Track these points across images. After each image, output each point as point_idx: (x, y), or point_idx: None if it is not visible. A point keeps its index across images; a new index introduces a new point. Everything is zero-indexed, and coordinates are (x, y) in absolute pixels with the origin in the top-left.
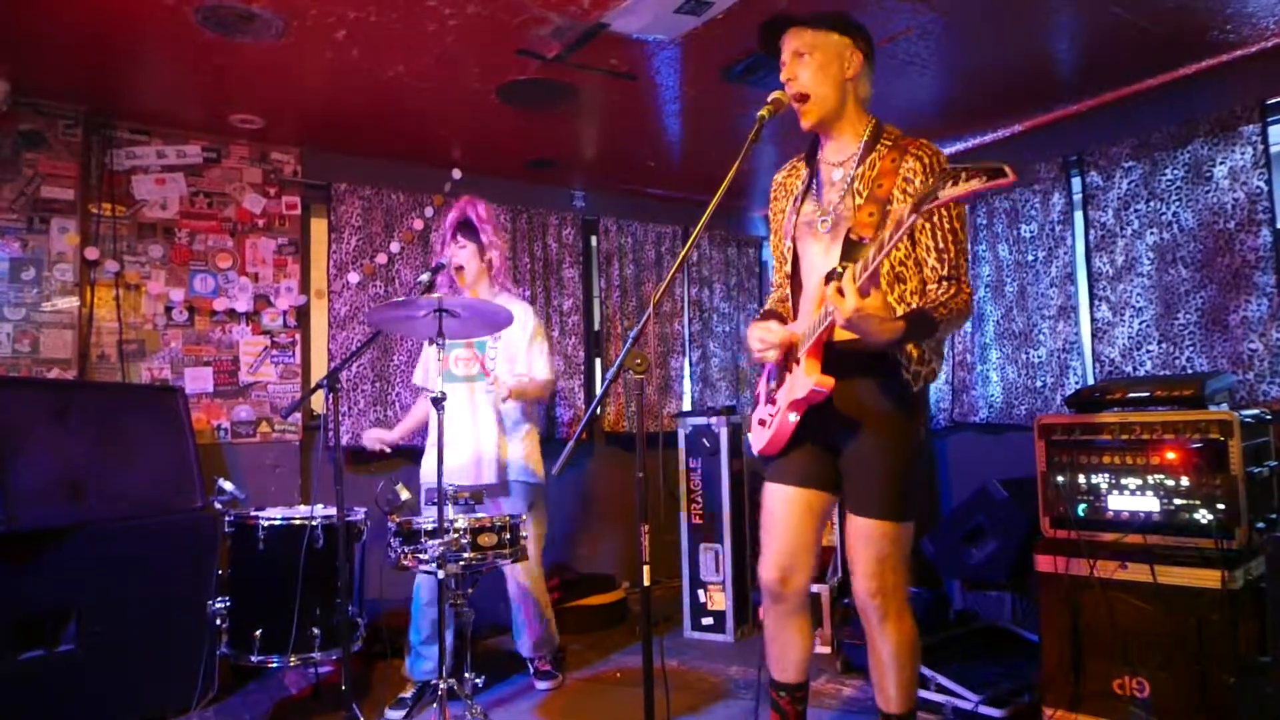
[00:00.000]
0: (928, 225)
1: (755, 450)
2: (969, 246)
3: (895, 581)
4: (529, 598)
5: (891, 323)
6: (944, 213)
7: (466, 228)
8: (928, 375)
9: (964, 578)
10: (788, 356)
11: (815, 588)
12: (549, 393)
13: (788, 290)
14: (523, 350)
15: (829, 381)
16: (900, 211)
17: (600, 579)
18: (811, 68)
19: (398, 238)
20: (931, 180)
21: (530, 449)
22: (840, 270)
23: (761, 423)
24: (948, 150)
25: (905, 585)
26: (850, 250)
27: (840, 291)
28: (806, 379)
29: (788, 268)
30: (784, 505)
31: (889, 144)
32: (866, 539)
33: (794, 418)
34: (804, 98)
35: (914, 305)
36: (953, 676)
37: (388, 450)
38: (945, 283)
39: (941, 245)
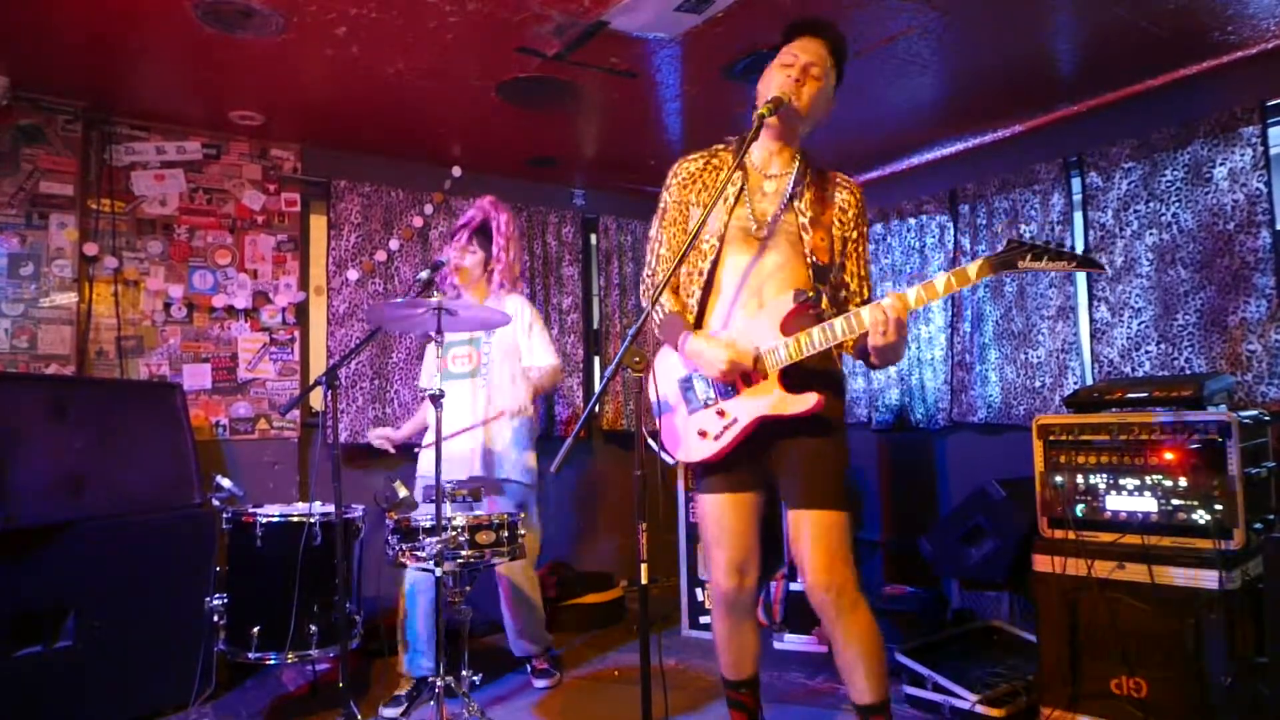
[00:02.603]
0: (855, 253)
1: (690, 459)
2: (969, 246)
3: (847, 572)
4: (521, 597)
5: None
6: (864, 242)
7: (483, 233)
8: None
9: (962, 577)
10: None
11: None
12: (561, 378)
13: (697, 286)
14: (523, 343)
15: (824, 399)
16: (967, 268)
17: (598, 577)
18: (815, 91)
19: (397, 235)
20: (859, 215)
21: (525, 448)
22: (811, 293)
23: (702, 434)
24: (947, 150)
25: (857, 575)
26: (820, 273)
27: (896, 322)
28: (798, 398)
29: (706, 266)
30: (730, 513)
31: (817, 170)
32: (819, 532)
33: (753, 427)
34: (795, 109)
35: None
36: (950, 676)
37: (391, 449)
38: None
39: (863, 273)
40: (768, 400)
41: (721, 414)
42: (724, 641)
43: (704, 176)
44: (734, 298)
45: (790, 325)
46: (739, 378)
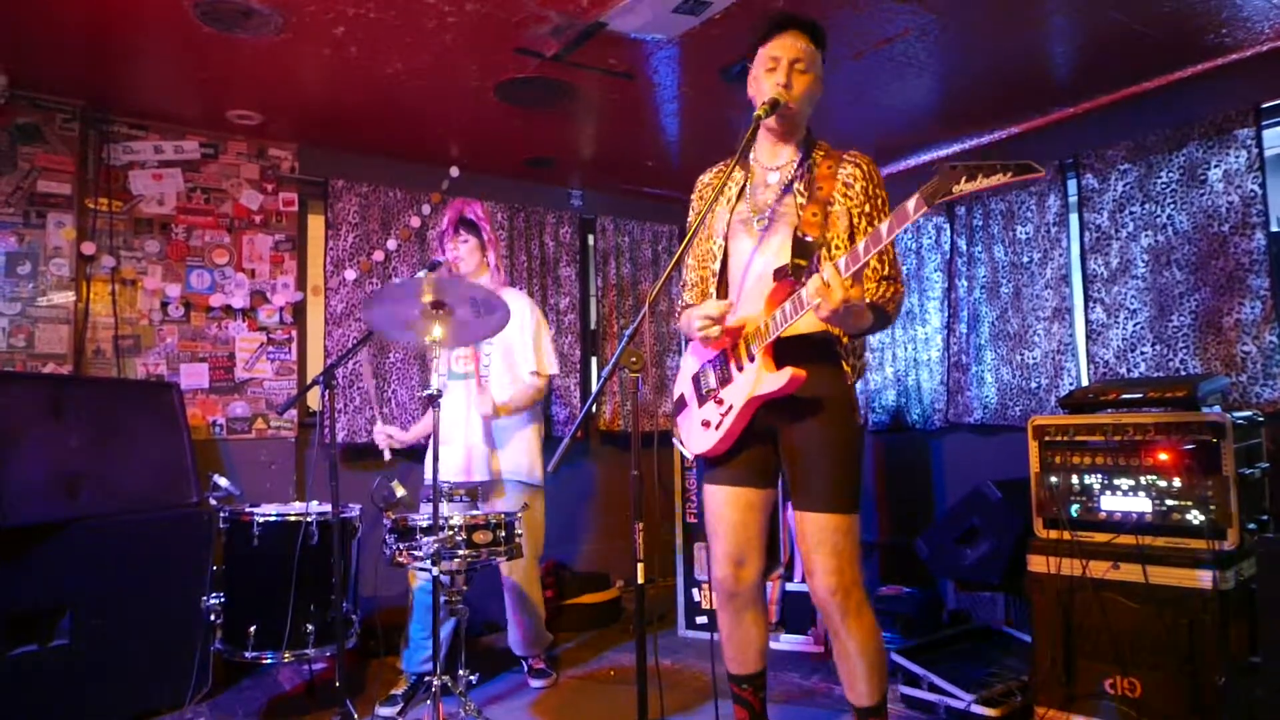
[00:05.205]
0: (870, 229)
1: (696, 452)
2: (965, 248)
3: (854, 576)
4: (522, 596)
5: (866, 315)
6: (880, 215)
7: (467, 224)
8: (859, 370)
9: (958, 578)
10: (731, 354)
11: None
12: (544, 393)
13: (712, 287)
14: (521, 346)
15: (802, 373)
16: (905, 205)
17: (595, 577)
18: (806, 84)
19: (395, 235)
20: (871, 186)
21: (529, 448)
22: (792, 267)
23: (705, 424)
24: (944, 152)
25: (863, 578)
26: (801, 248)
27: (827, 284)
28: (775, 374)
29: (715, 265)
30: (729, 505)
31: (823, 152)
32: (822, 535)
33: (748, 413)
34: (791, 108)
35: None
36: (946, 676)
37: (388, 455)
38: (885, 282)
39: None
40: (754, 380)
41: (720, 402)
42: (725, 633)
43: (714, 183)
44: (740, 288)
45: (774, 304)
46: (733, 363)
